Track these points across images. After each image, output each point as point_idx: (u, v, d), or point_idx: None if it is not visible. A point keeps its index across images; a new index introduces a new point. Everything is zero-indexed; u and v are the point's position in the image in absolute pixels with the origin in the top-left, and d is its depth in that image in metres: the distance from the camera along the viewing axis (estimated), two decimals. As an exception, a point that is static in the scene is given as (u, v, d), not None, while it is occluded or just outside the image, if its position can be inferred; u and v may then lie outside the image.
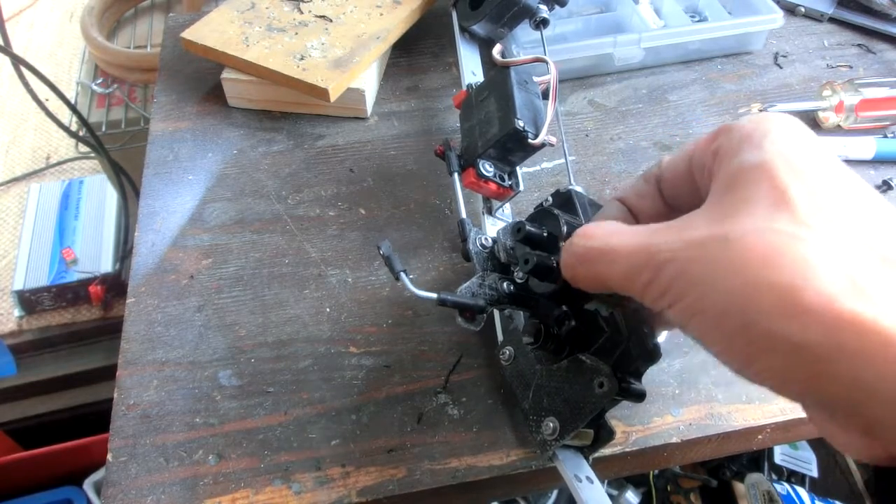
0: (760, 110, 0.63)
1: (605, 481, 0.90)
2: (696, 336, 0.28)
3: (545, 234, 0.42)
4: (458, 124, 0.61)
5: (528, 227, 0.41)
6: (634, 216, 0.36)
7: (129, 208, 1.23)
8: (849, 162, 0.60)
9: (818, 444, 1.11)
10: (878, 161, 0.60)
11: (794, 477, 1.04)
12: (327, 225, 0.56)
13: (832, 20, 0.74)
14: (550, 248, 0.41)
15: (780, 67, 0.69)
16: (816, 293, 0.24)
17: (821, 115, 0.63)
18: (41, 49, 1.62)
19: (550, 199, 0.48)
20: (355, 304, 0.51)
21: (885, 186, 0.58)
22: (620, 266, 0.30)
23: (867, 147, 0.59)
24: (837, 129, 0.62)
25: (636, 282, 0.29)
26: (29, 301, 1.17)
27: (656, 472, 1.01)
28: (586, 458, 0.42)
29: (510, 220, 0.53)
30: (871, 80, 0.63)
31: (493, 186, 0.50)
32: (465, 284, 0.41)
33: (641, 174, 0.37)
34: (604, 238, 0.31)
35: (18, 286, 1.15)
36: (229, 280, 0.52)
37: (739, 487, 1.00)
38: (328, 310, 0.51)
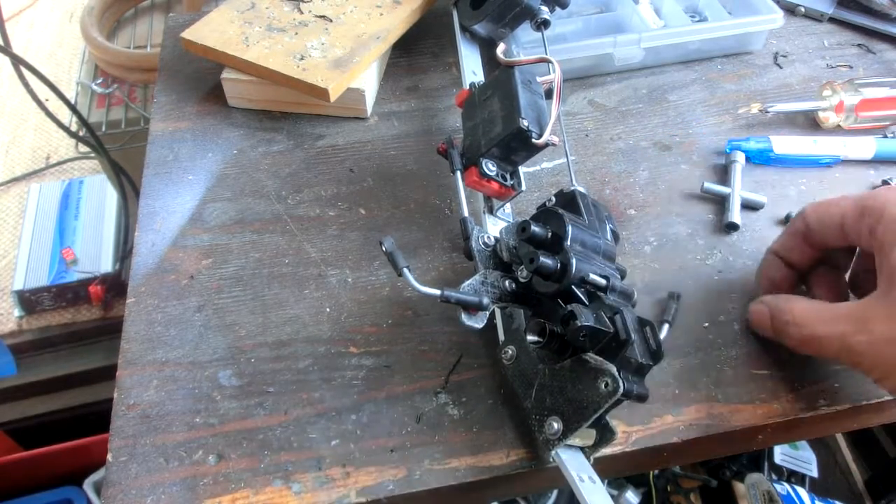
0: (761, 110, 0.63)
1: (606, 481, 0.90)
2: None
3: (549, 234, 0.42)
4: (458, 124, 0.61)
5: (532, 227, 0.41)
6: (788, 264, 0.47)
7: (129, 208, 1.23)
8: (848, 162, 0.60)
9: (818, 444, 1.11)
10: (878, 161, 0.60)
11: (794, 477, 1.04)
12: (327, 225, 0.56)
13: (832, 20, 0.74)
14: (554, 248, 0.41)
15: (780, 67, 0.69)
16: None
17: (821, 114, 0.63)
18: (41, 49, 1.62)
19: (554, 198, 0.48)
20: (355, 304, 0.51)
21: (883, 187, 0.58)
22: (829, 349, 0.41)
23: (867, 147, 0.59)
24: (837, 129, 0.62)
25: (843, 360, 0.41)
26: (29, 301, 1.17)
27: (656, 472, 1.01)
28: (588, 458, 0.42)
29: (511, 220, 0.53)
30: (872, 80, 0.63)
31: (495, 186, 0.50)
32: (468, 282, 0.41)
33: (786, 230, 0.47)
34: (808, 324, 0.42)
35: (18, 286, 1.15)
36: (229, 280, 0.52)
37: (739, 487, 1.00)
38: (328, 310, 0.51)
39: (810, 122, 0.64)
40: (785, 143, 0.59)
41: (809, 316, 0.42)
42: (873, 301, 0.39)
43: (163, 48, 0.72)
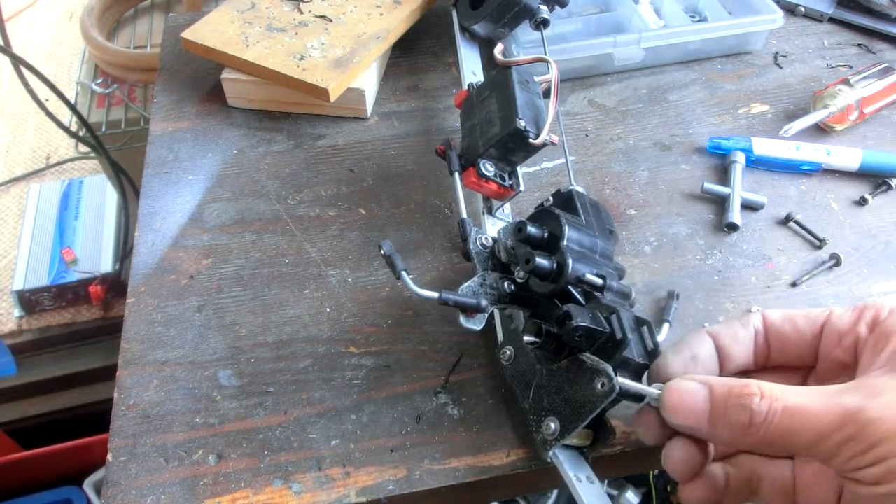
0: (781, 136, 0.61)
1: (605, 481, 0.90)
2: None
3: (546, 234, 0.42)
4: (458, 124, 0.61)
5: (529, 227, 0.41)
6: (721, 356, 0.38)
7: (129, 208, 1.23)
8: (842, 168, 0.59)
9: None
10: (863, 173, 0.59)
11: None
12: (327, 225, 0.56)
13: (832, 20, 0.74)
14: (551, 248, 0.41)
15: (780, 67, 0.69)
16: None
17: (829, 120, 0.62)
18: (41, 49, 1.62)
19: (551, 198, 0.48)
20: (355, 304, 0.51)
21: (885, 186, 0.58)
22: (812, 425, 0.30)
23: (852, 157, 0.58)
24: (848, 128, 0.62)
25: (831, 440, 0.30)
26: (29, 301, 1.17)
27: (656, 472, 1.00)
28: (586, 458, 0.42)
29: (510, 220, 0.53)
30: (862, 75, 0.63)
31: (493, 186, 0.50)
32: (466, 284, 0.41)
33: (739, 319, 0.38)
34: (789, 396, 0.31)
35: (18, 286, 1.15)
36: (229, 280, 0.52)
37: (739, 487, 1.00)
38: (328, 310, 0.51)
39: (818, 130, 0.62)
40: (765, 146, 0.59)
41: (786, 389, 0.32)
42: (881, 376, 0.32)
43: (163, 48, 0.72)
